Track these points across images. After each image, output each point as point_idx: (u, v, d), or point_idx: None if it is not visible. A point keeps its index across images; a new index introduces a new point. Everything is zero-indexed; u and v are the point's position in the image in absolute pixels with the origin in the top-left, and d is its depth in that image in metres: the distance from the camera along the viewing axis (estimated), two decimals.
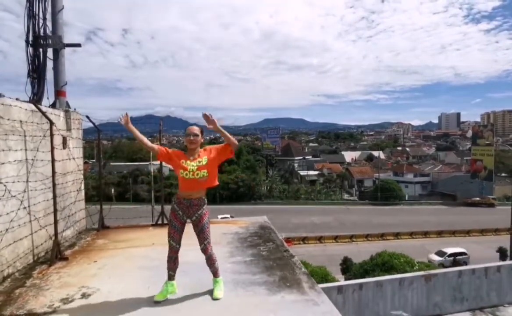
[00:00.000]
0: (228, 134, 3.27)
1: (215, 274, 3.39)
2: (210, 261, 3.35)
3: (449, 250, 27.50)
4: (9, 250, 3.89)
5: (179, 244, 3.30)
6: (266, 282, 3.63)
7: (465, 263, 25.01)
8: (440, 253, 27.54)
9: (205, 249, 3.30)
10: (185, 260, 3.53)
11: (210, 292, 3.34)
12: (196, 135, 3.30)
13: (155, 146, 3.44)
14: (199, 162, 3.25)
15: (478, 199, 45.36)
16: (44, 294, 3.46)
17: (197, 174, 3.20)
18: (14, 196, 3.97)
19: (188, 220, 3.32)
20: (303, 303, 3.18)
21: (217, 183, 3.40)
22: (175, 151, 3.39)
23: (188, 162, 3.23)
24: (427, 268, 14.51)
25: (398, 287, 8.89)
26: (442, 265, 24.88)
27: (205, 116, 3.20)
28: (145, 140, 3.44)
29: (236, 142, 3.36)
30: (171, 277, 3.36)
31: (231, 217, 21.40)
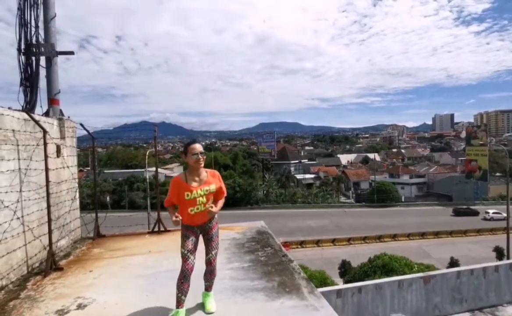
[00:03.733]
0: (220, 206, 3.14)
1: (208, 288, 3.20)
2: (211, 275, 3.16)
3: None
4: (3, 261, 3.82)
5: (195, 259, 3.00)
6: (265, 288, 3.59)
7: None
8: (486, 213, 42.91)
9: (211, 260, 3.12)
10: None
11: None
12: (204, 153, 3.04)
13: (170, 207, 3.12)
14: (207, 190, 3.03)
15: (465, 207, 48.54)
16: (39, 306, 3.39)
17: (208, 204, 3.01)
18: (7, 206, 3.90)
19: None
20: (303, 308, 3.14)
21: (225, 193, 3.25)
22: (177, 187, 3.03)
23: (194, 191, 2.98)
24: (425, 269, 14.51)
25: (397, 289, 8.87)
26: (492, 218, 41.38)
27: (209, 213, 3.02)
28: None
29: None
30: (180, 303, 2.94)
31: None
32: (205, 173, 3.10)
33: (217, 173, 3.22)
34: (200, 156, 3.01)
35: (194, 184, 3.02)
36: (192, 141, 3.07)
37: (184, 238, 3.03)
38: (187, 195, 2.97)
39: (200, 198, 2.99)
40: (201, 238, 3.17)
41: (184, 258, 2.95)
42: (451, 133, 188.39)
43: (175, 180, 3.07)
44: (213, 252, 3.13)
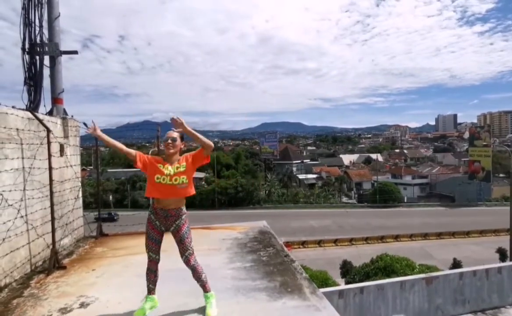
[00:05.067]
0: (200, 136, 3.06)
1: (204, 288, 3.14)
2: (196, 274, 3.12)
3: None
4: (6, 259, 3.84)
5: (159, 255, 3.12)
6: (267, 288, 3.59)
7: None
8: None
9: (187, 261, 3.08)
10: (186, 266, 3.48)
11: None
12: (175, 139, 3.10)
13: (133, 151, 3.17)
14: (177, 167, 3.05)
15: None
16: (42, 304, 3.41)
17: (175, 179, 2.99)
18: (11, 205, 3.92)
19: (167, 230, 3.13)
20: (304, 308, 3.14)
21: (194, 192, 3.16)
22: (154, 157, 3.16)
23: (166, 166, 3.04)
24: (427, 270, 14.46)
25: (399, 290, 8.84)
26: None
27: (172, 120, 3.01)
28: (120, 146, 3.23)
29: (211, 143, 3.12)
30: (151, 291, 3.15)
31: None
32: (178, 158, 3.12)
33: (187, 154, 3.19)
34: (170, 142, 3.07)
35: (167, 163, 3.07)
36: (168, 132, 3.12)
37: (148, 237, 3.11)
38: (159, 166, 3.03)
39: (168, 171, 3.00)
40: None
41: (148, 258, 3.11)
42: (454, 134, 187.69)
43: (156, 157, 3.16)
44: (186, 254, 3.07)
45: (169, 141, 3.07)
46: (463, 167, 66.97)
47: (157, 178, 2.99)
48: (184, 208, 3.15)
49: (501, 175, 62.94)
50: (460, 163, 75.99)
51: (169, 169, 3.02)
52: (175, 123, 3.01)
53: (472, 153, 51.14)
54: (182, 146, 3.18)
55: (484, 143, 48.97)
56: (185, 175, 3.04)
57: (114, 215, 42.21)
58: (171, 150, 3.08)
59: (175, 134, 3.11)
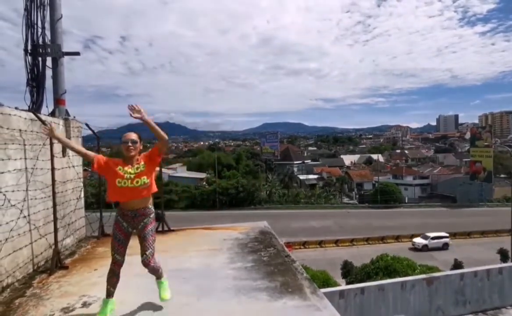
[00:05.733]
0: (156, 126, 2.94)
1: (158, 277, 3.22)
2: (153, 271, 3.15)
3: (432, 234, 32.07)
4: (9, 259, 3.87)
5: (124, 258, 3.07)
6: (267, 288, 3.61)
7: (447, 245, 31.07)
8: (424, 237, 32.13)
9: (147, 261, 3.05)
10: (187, 266, 3.51)
11: (212, 299, 3.31)
12: (135, 142, 3.02)
13: (91, 154, 3.14)
14: (137, 168, 3.00)
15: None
16: (44, 303, 3.43)
17: (137, 182, 2.96)
18: (14, 205, 3.95)
19: (134, 231, 3.11)
20: (305, 308, 3.16)
21: (155, 189, 3.14)
22: (112, 159, 3.09)
23: (126, 168, 2.98)
24: (428, 271, 14.45)
25: (400, 290, 8.85)
26: (426, 246, 30.89)
27: (130, 107, 2.89)
28: (78, 148, 3.20)
29: (165, 136, 3.03)
30: (110, 294, 3.09)
31: None
32: (136, 159, 3.05)
33: (144, 153, 3.13)
34: (130, 144, 2.99)
35: (127, 165, 3.00)
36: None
37: (114, 238, 3.06)
38: (119, 169, 2.97)
39: (128, 175, 2.95)
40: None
41: (113, 259, 3.04)
42: (456, 134, 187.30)
43: (115, 159, 3.07)
44: (147, 253, 3.05)
45: (129, 144, 3.00)
46: (465, 168, 66.80)
47: (119, 182, 2.95)
48: (151, 207, 3.15)
49: (502, 176, 62.78)
50: (461, 163, 75.81)
51: (129, 172, 2.96)
52: (132, 110, 2.88)
53: (474, 153, 51.01)
54: (141, 147, 3.10)
55: (486, 143, 48.84)
56: (145, 175, 3.00)
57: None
58: (132, 153, 3.01)
59: (133, 135, 3.04)
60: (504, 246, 26.59)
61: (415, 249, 31.26)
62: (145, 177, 3.00)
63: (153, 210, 3.16)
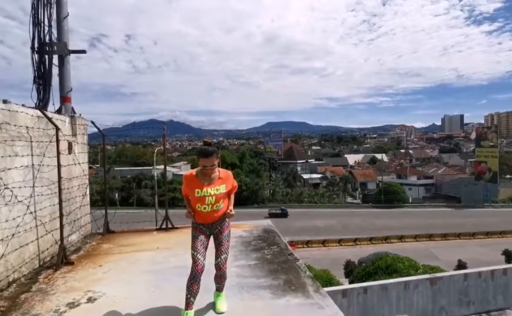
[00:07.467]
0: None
1: (219, 289, 3.15)
2: (221, 279, 3.09)
3: None
4: (15, 255, 3.92)
5: (205, 260, 2.92)
6: (271, 286, 3.63)
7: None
8: None
9: (220, 266, 3.00)
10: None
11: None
12: (214, 165, 2.91)
13: (186, 199, 3.10)
14: (217, 189, 2.94)
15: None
16: (50, 298, 3.48)
17: (217, 207, 2.94)
18: (21, 201, 4.00)
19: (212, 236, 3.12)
20: (308, 306, 3.17)
21: (229, 205, 3.12)
22: (186, 183, 3.00)
23: (205, 189, 2.91)
24: (431, 271, 14.39)
25: (403, 290, 8.84)
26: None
27: (229, 215, 3.04)
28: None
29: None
30: (189, 304, 2.86)
31: None
32: (217, 173, 2.99)
33: (230, 173, 3.13)
34: (209, 169, 2.91)
35: (205, 182, 2.94)
36: (204, 152, 2.87)
37: (193, 239, 2.99)
38: (198, 192, 2.91)
39: (210, 198, 2.91)
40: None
41: (193, 259, 2.90)
42: (461, 135, 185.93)
43: (187, 176, 3.04)
44: (222, 257, 3.02)
45: (208, 169, 2.90)
46: (470, 168, 66.44)
47: (198, 207, 2.93)
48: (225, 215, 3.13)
49: (508, 176, 62.36)
50: (466, 164, 75.38)
51: (208, 192, 2.91)
52: (230, 217, 3.07)
53: (479, 154, 50.71)
54: (218, 161, 3.04)
55: (491, 144, 48.54)
56: (222, 198, 2.99)
57: (285, 210, 44.98)
58: (212, 175, 2.96)
59: (214, 160, 2.90)
60: (509, 247, 26.37)
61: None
62: (222, 200, 2.98)
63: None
